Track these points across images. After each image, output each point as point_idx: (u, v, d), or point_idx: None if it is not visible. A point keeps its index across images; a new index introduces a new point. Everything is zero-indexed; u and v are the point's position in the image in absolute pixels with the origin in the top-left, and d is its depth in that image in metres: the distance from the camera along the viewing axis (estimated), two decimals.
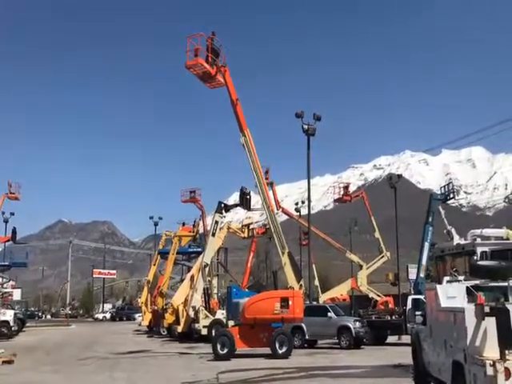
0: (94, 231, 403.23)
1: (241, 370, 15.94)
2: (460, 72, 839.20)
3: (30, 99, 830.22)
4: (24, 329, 38.67)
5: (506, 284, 9.66)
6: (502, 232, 12.10)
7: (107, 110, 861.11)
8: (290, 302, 19.93)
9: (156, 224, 65.28)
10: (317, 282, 43.46)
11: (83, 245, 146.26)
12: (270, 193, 30.20)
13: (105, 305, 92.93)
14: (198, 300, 28.49)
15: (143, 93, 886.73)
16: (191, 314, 28.35)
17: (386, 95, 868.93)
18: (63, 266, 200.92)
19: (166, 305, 37.02)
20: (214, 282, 36.08)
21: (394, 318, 26.85)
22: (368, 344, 24.78)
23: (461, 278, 10.38)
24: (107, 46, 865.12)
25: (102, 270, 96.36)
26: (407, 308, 19.90)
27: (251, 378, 14.54)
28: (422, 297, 19.88)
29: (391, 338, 26.87)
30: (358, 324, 24.23)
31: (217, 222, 29.17)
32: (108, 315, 77.49)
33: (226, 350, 19.45)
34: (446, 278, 10.54)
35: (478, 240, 11.23)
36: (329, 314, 24.71)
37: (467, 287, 9.60)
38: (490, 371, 7.15)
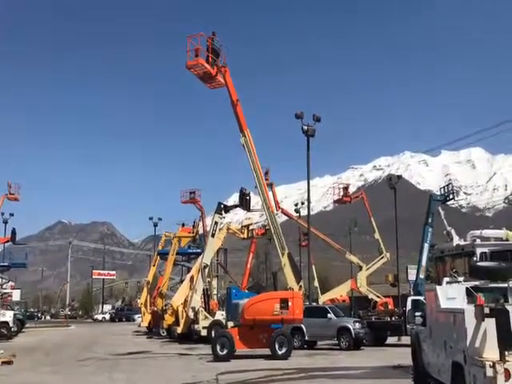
0: (93, 232, 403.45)
1: (240, 371, 15.93)
2: (460, 72, 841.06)
3: (30, 99, 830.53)
4: (23, 330, 38.64)
5: (505, 285, 9.66)
6: (501, 233, 12.07)
7: (107, 110, 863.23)
8: (290, 303, 19.92)
9: (155, 225, 65.39)
10: (316, 283, 43.47)
11: (83, 246, 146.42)
12: (270, 194, 30.20)
13: (104, 306, 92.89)
14: (197, 301, 28.47)
15: (143, 93, 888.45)
16: (191, 314, 28.34)
17: (385, 96, 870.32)
18: (63, 267, 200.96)
19: (165, 306, 37.00)
20: (214, 282, 36.11)
21: (393, 319, 26.83)
22: (368, 345, 24.77)
23: (460, 279, 10.37)
24: (107, 46, 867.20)
25: (102, 271, 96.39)
26: (407, 309, 19.90)
27: (251, 378, 14.54)
28: (421, 298, 19.93)
29: (391, 339, 26.86)
30: (357, 325, 24.22)
31: (216, 223, 29.16)
32: (107, 316, 77.49)
33: (225, 351, 19.44)
34: (446, 279, 10.54)
35: (478, 241, 11.21)
36: (328, 315, 24.69)
37: (467, 288, 9.60)
38: (489, 372, 7.15)
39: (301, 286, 26.22)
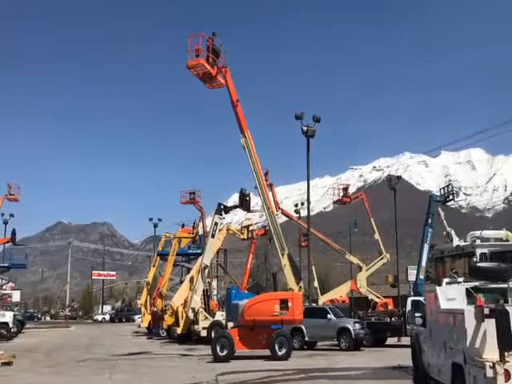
0: (93, 233, 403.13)
1: (240, 372, 15.92)
2: (460, 72, 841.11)
3: (31, 99, 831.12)
4: (23, 330, 38.64)
5: (505, 285, 9.68)
6: (501, 233, 12.08)
7: (107, 111, 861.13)
8: (290, 304, 19.91)
9: (155, 225, 65.36)
10: (316, 284, 43.43)
11: (83, 246, 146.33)
12: (270, 194, 30.20)
13: (104, 306, 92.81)
14: (197, 301, 28.46)
15: (143, 94, 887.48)
16: (191, 315, 28.32)
17: (385, 96, 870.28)
18: (63, 268, 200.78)
19: (165, 306, 36.99)
20: (214, 283, 36.12)
21: (393, 319, 26.81)
22: (368, 346, 24.78)
23: (460, 279, 10.38)
24: (107, 48, 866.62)
25: (102, 272, 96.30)
26: (407, 310, 19.91)
27: (250, 379, 14.53)
28: (421, 298, 19.93)
29: (391, 340, 26.85)
30: (357, 326, 24.21)
31: (216, 224, 29.16)
32: (107, 317, 77.45)
33: (225, 352, 19.42)
34: (446, 280, 10.55)
35: (478, 241, 11.22)
36: (328, 315, 24.68)
37: (467, 289, 9.62)
38: (489, 373, 7.16)
39: (301, 287, 26.24)
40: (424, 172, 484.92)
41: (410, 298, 23.19)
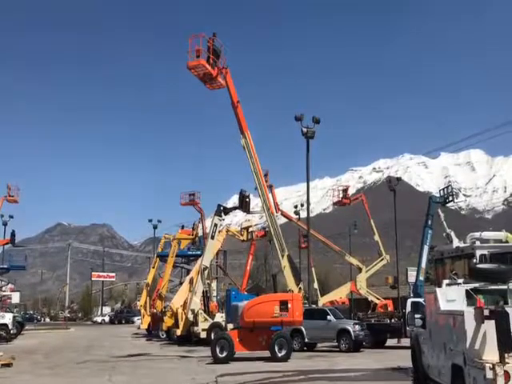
0: (93, 234, 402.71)
1: (240, 374, 15.91)
2: (459, 73, 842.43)
3: (31, 100, 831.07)
4: (23, 332, 38.59)
5: (505, 287, 9.68)
6: (500, 235, 12.10)
7: (106, 112, 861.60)
8: (290, 305, 19.91)
9: (155, 227, 65.38)
10: (316, 285, 43.44)
11: (82, 248, 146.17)
12: (270, 195, 30.22)
13: (104, 308, 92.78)
14: (197, 303, 28.45)
15: (142, 96, 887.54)
16: (190, 317, 28.31)
17: (385, 97, 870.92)
18: (62, 269, 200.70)
19: (164, 308, 36.97)
20: (213, 284, 36.05)
21: (393, 321, 26.85)
22: (367, 347, 24.79)
23: (460, 281, 10.39)
24: (107, 49, 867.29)
25: (101, 273, 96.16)
26: (407, 311, 19.91)
27: (250, 381, 14.52)
28: (421, 300, 19.93)
29: (391, 341, 26.86)
30: (357, 327, 24.21)
31: (216, 225, 29.16)
32: (107, 318, 77.45)
33: (225, 354, 19.40)
34: (446, 281, 10.56)
35: (477, 243, 11.24)
36: (328, 317, 24.69)
37: (467, 290, 9.62)
38: (489, 374, 7.16)
39: (300, 288, 26.25)
40: (424, 173, 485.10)
41: (409, 299, 23.20)
